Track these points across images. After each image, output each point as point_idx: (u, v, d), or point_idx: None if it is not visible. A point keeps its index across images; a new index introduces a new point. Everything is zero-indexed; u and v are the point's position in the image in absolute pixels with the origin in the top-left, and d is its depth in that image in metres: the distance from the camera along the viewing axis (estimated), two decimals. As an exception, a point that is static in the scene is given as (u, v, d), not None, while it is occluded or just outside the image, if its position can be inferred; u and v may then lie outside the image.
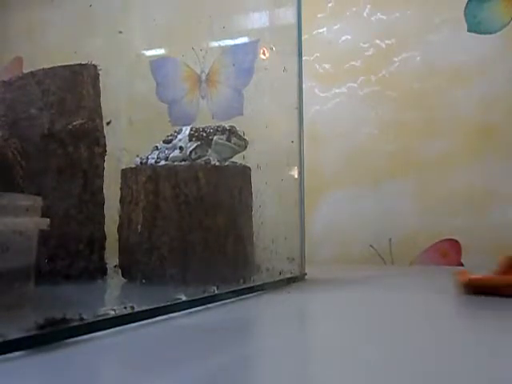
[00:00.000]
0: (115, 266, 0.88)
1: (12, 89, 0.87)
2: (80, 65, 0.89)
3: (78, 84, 0.88)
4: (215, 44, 1.28)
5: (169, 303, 0.60)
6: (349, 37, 1.37)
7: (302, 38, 0.99)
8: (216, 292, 0.68)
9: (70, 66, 0.88)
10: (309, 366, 0.42)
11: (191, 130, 0.89)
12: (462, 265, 1.22)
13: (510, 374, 0.39)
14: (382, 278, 1.01)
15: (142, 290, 0.79)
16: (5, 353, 0.41)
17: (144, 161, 0.89)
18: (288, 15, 1.02)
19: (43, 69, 0.88)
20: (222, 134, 0.88)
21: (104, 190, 0.90)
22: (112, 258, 0.89)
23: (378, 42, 1.34)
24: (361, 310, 0.67)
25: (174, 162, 0.87)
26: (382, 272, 1.14)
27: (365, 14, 1.35)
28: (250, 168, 0.89)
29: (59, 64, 0.88)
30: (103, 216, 0.90)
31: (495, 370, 0.39)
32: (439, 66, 1.28)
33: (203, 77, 1.31)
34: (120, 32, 1.10)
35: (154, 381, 0.36)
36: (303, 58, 1.00)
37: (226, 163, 0.88)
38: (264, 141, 0.94)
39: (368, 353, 0.44)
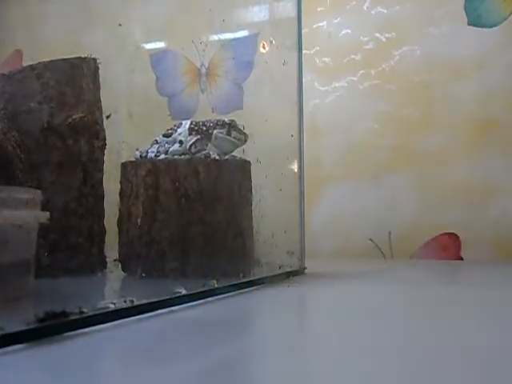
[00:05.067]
0: (115, 260, 0.88)
1: (11, 82, 0.87)
2: (80, 58, 0.89)
3: (77, 77, 0.88)
4: (215, 37, 1.28)
5: (169, 297, 0.60)
6: (349, 30, 1.36)
7: (302, 31, 0.99)
8: (216, 286, 0.68)
9: (70, 59, 0.88)
10: (309, 358, 0.42)
11: (191, 123, 0.89)
12: (461, 259, 1.22)
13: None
14: (381, 272, 1.01)
15: (142, 283, 0.79)
16: (4, 346, 0.41)
17: (144, 154, 0.89)
18: (288, 9, 1.02)
19: (43, 62, 0.87)
20: (222, 127, 0.88)
21: (104, 184, 0.90)
22: (112, 252, 0.89)
23: (377, 35, 1.34)
24: (360, 304, 0.67)
25: (173, 155, 0.87)
26: (381, 266, 1.14)
27: (365, 8, 1.35)
28: (249, 162, 0.89)
29: (59, 57, 0.88)
30: (103, 209, 0.90)
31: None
32: (439, 60, 1.28)
33: (203, 70, 1.31)
34: (120, 25, 1.10)
35: (153, 374, 0.36)
36: (303, 52, 0.99)
37: (226, 157, 0.88)
38: (264, 135, 0.94)
39: (367, 345, 0.45)
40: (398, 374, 0.37)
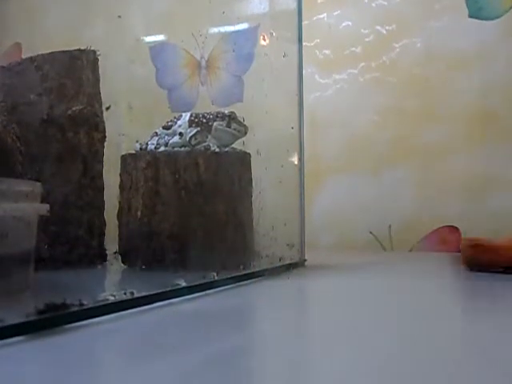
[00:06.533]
0: (115, 252, 0.88)
1: (11, 74, 0.87)
2: (79, 50, 0.89)
3: (77, 69, 0.88)
4: (215, 30, 1.27)
5: (168, 289, 0.60)
6: (349, 23, 1.36)
7: (302, 23, 0.99)
8: (216, 278, 0.68)
9: (69, 51, 0.88)
10: (308, 351, 0.42)
11: (191, 116, 0.89)
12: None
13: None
14: (381, 265, 1.01)
15: (142, 275, 0.79)
16: (4, 338, 0.41)
17: (144, 147, 0.89)
18: (288, 0, 1.01)
19: (42, 54, 0.87)
20: (222, 119, 0.88)
21: (103, 176, 0.90)
22: (112, 244, 0.89)
23: (378, 27, 1.33)
24: (360, 296, 0.67)
25: (173, 148, 0.87)
26: (381, 258, 1.14)
27: (365, 0, 1.35)
28: (249, 154, 0.89)
29: (58, 49, 0.88)
30: (103, 202, 0.90)
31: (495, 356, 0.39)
32: (440, 52, 1.27)
33: (203, 63, 1.31)
34: (119, 17, 1.10)
35: (153, 366, 0.36)
36: (303, 44, 0.99)
37: (226, 149, 0.88)
38: (264, 127, 0.94)
39: (367, 337, 0.45)
40: (396, 364, 0.37)
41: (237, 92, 1.19)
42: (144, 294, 0.56)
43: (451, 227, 1.24)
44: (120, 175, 0.87)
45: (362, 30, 1.34)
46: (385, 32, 1.33)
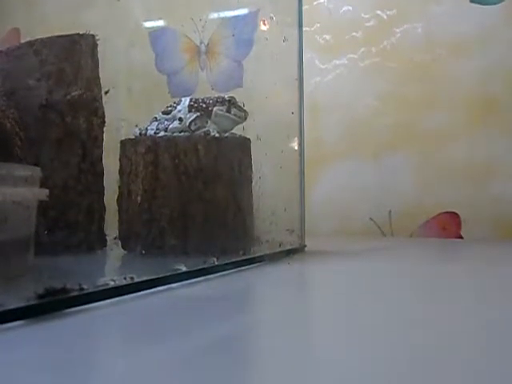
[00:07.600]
0: (115, 238, 0.88)
1: (9, 59, 0.86)
2: (78, 34, 0.88)
3: (76, 54, 0.87)
4: (215, 14, 1.26)
5: (169, 274, 0.60)
6: (350, 7, 1.35)
7: (303, 8, 0.98)
8: (216, 263, 0.68)
9: (68, 35, 0.87)
10: (309, 335, 0.42)
11: (191, 101, 0.89)
12: (461, 237, 1.22)
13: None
14: (380, 250, 1.01)
15: (142, 260, 0.79)
16: (4, 322, 0.41)
17: (143, 132, 0.89)
18: (288, -15, 1.01)
19: (41, 38, 0.87)
20: (222, 105, 0.87)
21: (103, 161, 0.90)
22: (112, 230, 0.89)
23: (379, 12, 1.32)
24: (359, 281, 0.67)
25: (173, 133, 0.87)
26: (381, 244, 1.14)
27: (366, -16, 1.34)
28: (249, 139, 0.88)
29: (57, 34, 0.87)
30: (102, 187, 0.90)
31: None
32: (441, 38, 1.27)
33: (202, 48, 1.30)
34: (118, 0, 1.09)
35: (153, 350, 0.36)
36: (303, 29, 0.99)
37: (226, 134, 0.87)
38: (264, 112, 0.94)
39: (367, 321, 0.45)
40: (393, 350, 0.37)
41: (237, 77, 1.19)
42: (144, 278, 0.56)
43: (451, 213, 1.24)
44: (119, 160, 0.87)
45: (363, 15, 1.34)
46: (385, 17, 1.32)
